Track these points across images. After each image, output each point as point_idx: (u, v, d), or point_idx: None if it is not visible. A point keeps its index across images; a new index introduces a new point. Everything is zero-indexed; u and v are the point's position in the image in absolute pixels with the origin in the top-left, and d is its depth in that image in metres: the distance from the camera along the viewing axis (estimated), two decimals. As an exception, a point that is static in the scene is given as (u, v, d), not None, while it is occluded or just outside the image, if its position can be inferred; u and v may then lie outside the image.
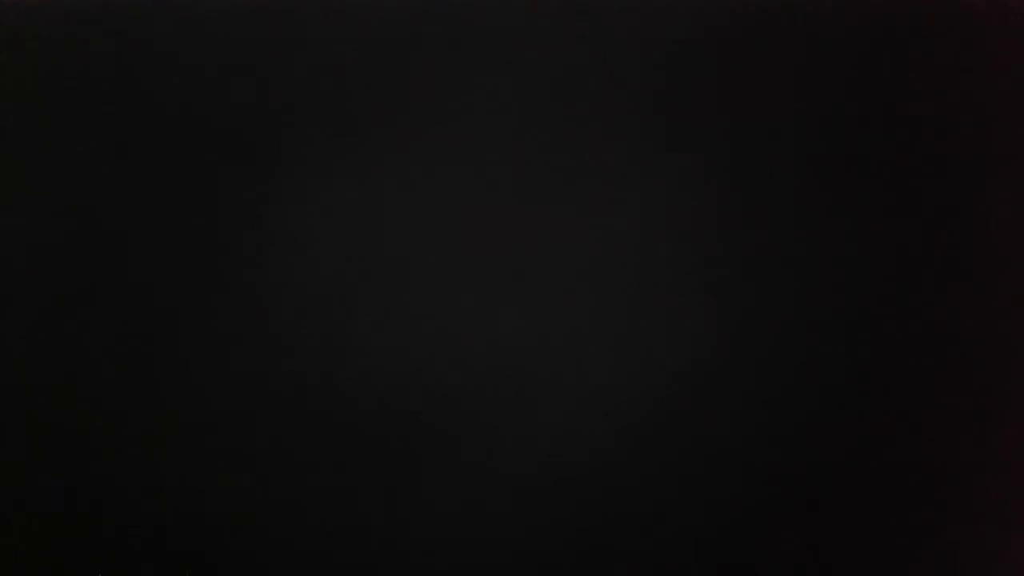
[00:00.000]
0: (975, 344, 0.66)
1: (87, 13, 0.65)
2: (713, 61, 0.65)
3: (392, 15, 0.65)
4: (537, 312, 0.65)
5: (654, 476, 0.65)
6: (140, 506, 0.64)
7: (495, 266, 0.65)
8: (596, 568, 0.65)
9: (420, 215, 0.65)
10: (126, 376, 0.64)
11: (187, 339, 0.64)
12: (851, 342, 0.65)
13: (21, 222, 0.65)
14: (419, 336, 0.64)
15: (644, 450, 0.65)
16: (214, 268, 0.64)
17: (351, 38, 0.65)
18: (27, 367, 0.64)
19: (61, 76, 0.65)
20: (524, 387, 0.64)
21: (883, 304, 0.65)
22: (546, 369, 0.64)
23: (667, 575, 0.65)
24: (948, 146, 0.66)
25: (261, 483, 0.64)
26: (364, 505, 0.64)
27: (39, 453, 0.64)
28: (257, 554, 0.64)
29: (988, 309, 0.66)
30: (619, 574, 0.65)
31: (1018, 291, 0.66)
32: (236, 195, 0.65)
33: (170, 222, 0.65)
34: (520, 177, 0.65)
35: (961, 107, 0.66)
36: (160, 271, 0.64)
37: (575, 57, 0.65)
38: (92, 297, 0.64)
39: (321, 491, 0.64)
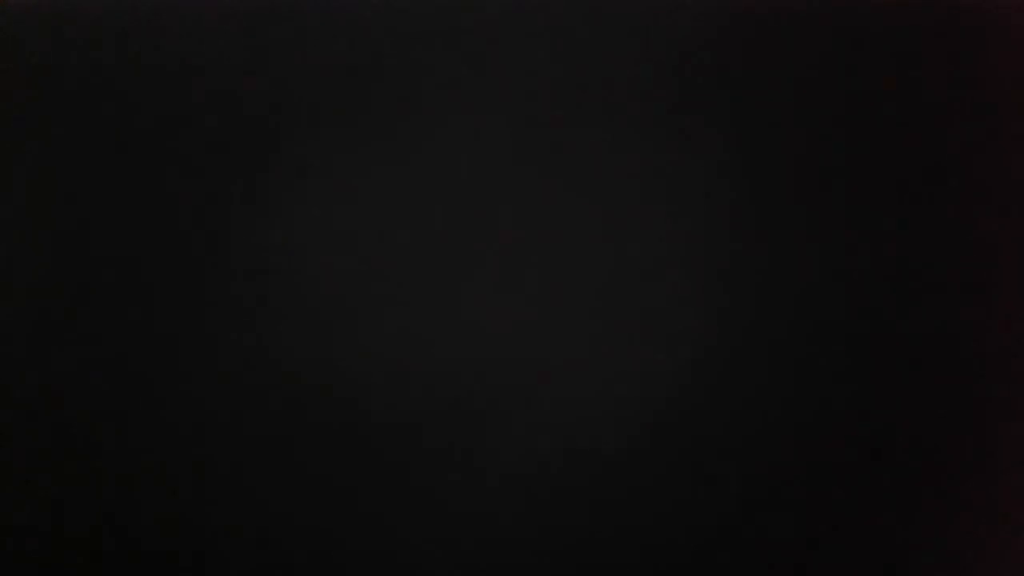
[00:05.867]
0: (975, 344, 0.66)
1: (87, 13, 0.65)
2: (713, 62, 0.65)
3: (393, 14, 0.65)
4: (540, 312, 0.65)
5: (656, 477, 0.65)
6: (140, 509, 0.64)
7: (496, 266, 0.65)
8: (598, 569, 0.65)
9: (422, 215, 0.65)
10: (126, 377, 0.64)
11: (185, 342, 0.64)
12: (852, 342, 0.65)
13: (20, 222, 0.65)
14: (420, 336, 0.65)
15: (646, 451, 0.65)
16: (213, 269, 0.64)
17: (351, 37, 0.65)
18: (25, 368, 0.64)
19: (61, 76, 0.65)
20: (526, 387, 0.64)
21: (883, 304, 0.65)
22: (549, 369, 0.64)
23: (668, 575, 0.65)
24: (947, 146, 0.66)
25: (260, 484, 0.64)
26: (364, 506, 0.64)
27: (36, 455, 0.64)
28: (256, 556, 0.65)
29: (988, 310, 0.66)
30: (620, 574, 0.65)
31: (1018, 291, 0.66)
32: (236, 195, 0.65)
33: (170, 222, 0.65)
34: (522, 177, 0.65)
35: (961, 107, 0.66)
36: (160, 271, 0.64)
37: (578, 56, 0.65)
38: (92, 297, 0.64)
39: (320, 492, 0.64)
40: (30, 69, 0.65)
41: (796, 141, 0.66)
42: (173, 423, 0.64)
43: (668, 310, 0.65)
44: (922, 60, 0.66)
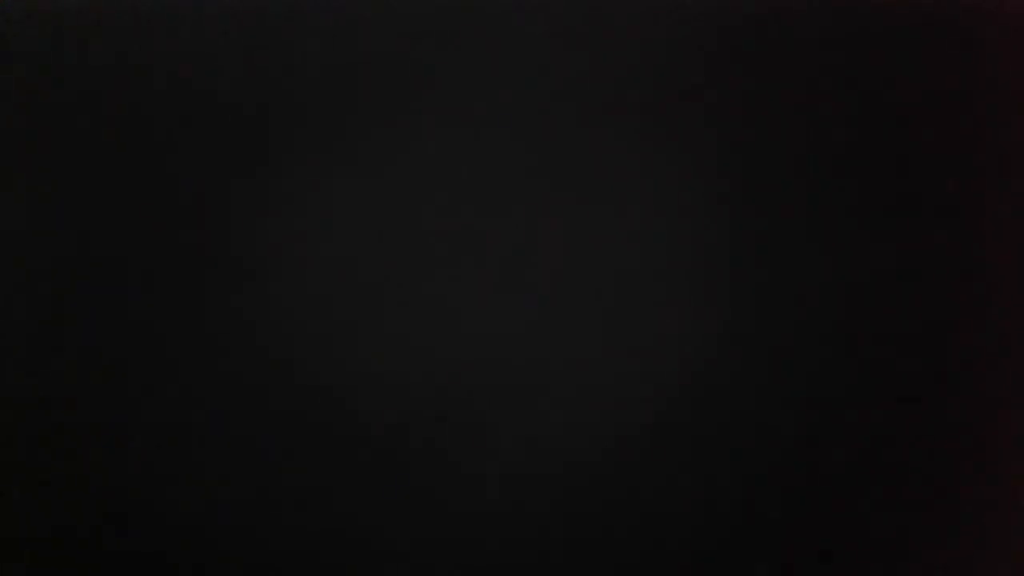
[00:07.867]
0: (975, 344, 0.66)
1: (87, 13, 0.65)
2: (713, 63, 0.65)
3: (391, 14, 0.65)
4: (539, 313, 0.65)
5: (655, 480, 0.65)
6: (136, 510, 0.64)
7: (495, 267, 0.65)
8: (596, 570, 0.65)
9: (420, 216, 0.65)
10: (120, 378, 0.64)
11: (181, 343, 0.64)
12: (852, 343, 0.65)
13: (17, 223, 0.65)
14: (419, 337, 0.65)
15: (645, 454, 0.65)
16: (210, 269, 0.64)
17: (350, 37, 0.65)
18: (22, 369, 0.64)
19: (61, 76, 0.65)
20: (525, 389, 0.64)
21: (884, 305, 0.65)
22: (548, 371, 0.65)
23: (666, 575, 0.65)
24: (947, 146, 0.66)
25: (257, 485, 0.64)
26: (362, 508, 0.64)
27: (33, 456, 0.64)
28: (254, 557, 0.65)
29: (988, 310, 0.66)
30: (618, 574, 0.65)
31: (1018, 291, 0.66)
32: (234, 196, 0.65)
33: (168, 222, 0.65)
34: (522, 178, 0.65)
35: (961, 107, 0.66)
36: (157, 271, 0.64)
37: (578, 56, 0.65)
38: (90, 298, 0.64)
39: (318, 493, 0.64)
40: (30, 69, 0.65)
41: (796, 142, 0.66)
42: (167, 424, 0.64)
43: (668, 311, 0.65)
44: (922, 60, 0.66)
